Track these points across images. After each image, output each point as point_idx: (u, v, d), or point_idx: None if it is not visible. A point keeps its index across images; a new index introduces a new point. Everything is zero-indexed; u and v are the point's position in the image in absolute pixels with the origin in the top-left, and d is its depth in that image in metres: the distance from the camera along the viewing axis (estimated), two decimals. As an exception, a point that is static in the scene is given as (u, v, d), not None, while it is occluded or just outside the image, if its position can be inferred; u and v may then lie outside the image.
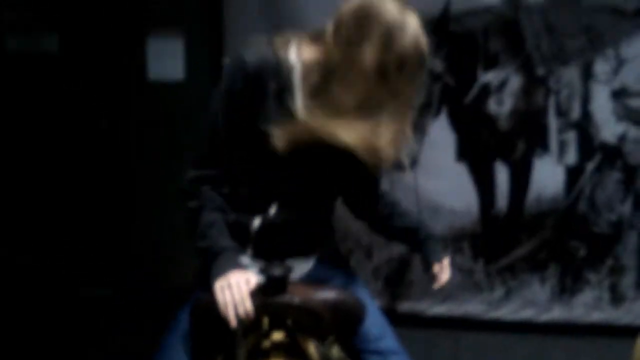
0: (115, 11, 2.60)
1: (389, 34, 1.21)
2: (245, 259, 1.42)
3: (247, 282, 1.26)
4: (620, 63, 2.34)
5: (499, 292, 2.56)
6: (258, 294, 1.26)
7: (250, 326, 1.24)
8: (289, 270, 1.30)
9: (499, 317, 2.55)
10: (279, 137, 1.28)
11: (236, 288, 1.24)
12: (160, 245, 2.72)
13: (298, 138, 1.28)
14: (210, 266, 1.31)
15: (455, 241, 2.53)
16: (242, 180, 1.39)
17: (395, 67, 1.21)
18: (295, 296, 1.28)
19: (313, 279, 1.44)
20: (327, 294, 1.32)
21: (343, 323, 1.31)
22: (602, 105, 2.38)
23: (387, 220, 1.54)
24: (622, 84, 2.35)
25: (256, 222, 1.40)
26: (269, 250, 1.41)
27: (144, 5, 2.59)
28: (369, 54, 1.21)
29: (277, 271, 1.28)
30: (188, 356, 1.34)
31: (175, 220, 2.61)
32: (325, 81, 1.25)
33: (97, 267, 2.75)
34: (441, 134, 2.43)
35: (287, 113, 1.30)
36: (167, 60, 2.59)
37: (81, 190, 2.74)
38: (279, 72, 1.31)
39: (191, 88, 2.60)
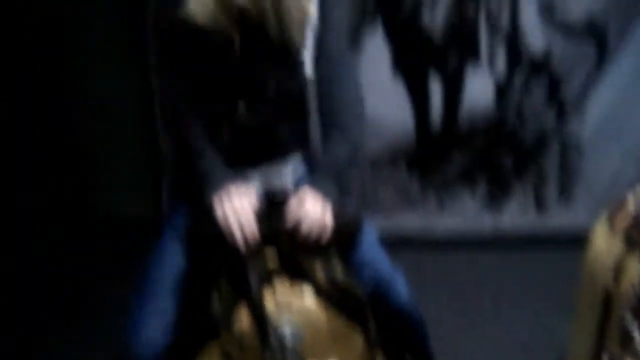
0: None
1: None
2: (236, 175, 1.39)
3: (250, 201, 1.28)
4: (547, -26, 2.36)
5: (431, 205, 2.60)
6: (260, 218, 1.26)
7: (254, 250, 1.24)
8: (287, 193, 1.31)
9: (433, 230, 2.61)
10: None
11: (241, 210, 1.26)
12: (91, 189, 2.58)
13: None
14: (201, 187, 1.31)
15: (391, 157, 2.54)
16: (203, 88, 1.37)
17: None
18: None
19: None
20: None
21: (343, 239, 1.32)
22: (529, 17, 2.42)
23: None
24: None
25: (226, 132, 1.38)
26: (243, 157, 1.39)
27: None
28: None
29: (278, 197, 1.29)
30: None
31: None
32: None
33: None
34: (377, 48, 2.41)
35: None
36: None
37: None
38: None
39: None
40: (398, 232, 2.58)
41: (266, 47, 1.34)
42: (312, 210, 1.30)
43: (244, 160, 1.39)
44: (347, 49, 1.51)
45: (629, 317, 1.20)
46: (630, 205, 1.33)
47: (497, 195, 2.63)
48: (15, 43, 2.50)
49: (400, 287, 1.39)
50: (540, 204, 2.65)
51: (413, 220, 2.62)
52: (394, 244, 2.48)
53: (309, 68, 1.42)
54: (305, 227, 1.28)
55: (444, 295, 2.32)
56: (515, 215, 2.65)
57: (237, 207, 1.27)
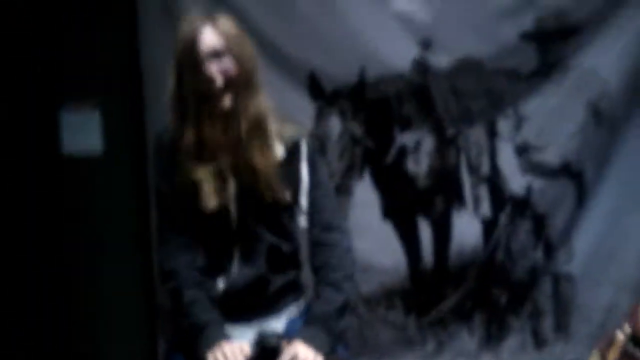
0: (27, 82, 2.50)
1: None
2: (230, 329, 1.44)
3: (242, 350, 1.32)
4: (520, 121, 2.57)
5: (431, 345, 2.61)
6: None
7: None
8: (281, 339, 1.34)
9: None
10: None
11: (232, 357, 1.30)
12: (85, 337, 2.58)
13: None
14: (196, 341, 1.36)
15: (387, 298, 2.59)
16: (199, 242, 1.46)
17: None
18: None
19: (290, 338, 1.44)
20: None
21: None
22: (507, 160, 2.57)
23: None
24: (523, 140, 2.57)
25: (220, 283, 1.44)
26: (236, 311, 1.45)
27: (58, 76, 2.51)
28: None
29: (271, 341, 1.33)
30: None
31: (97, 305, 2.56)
32: None
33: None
34: (366, 195, 2.53)
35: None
36: (83, 132, 2.51)
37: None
38: None
39: (110, 161, 2.55)
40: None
41: (259, 209, 1.46)
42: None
43: (237, 310, 1.45)
44: (337, 207, 1.64)
45: None
46: (619, 341, 1.41)
47: (495, 332, 2.65)
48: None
49: None
50: (538, 338, 2.66)
51: (413, 360, 2.62)
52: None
53: (302, 222, 1.54)
54: None
55: None
56: (515, 351, 2.65)
57: (228, 352, 1.32)
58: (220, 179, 1.44)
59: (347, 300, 1.51)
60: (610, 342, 1.43)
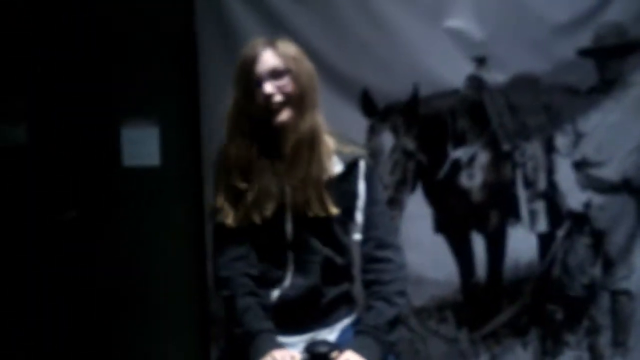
0: (90, 98, 2.64)
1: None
2: (282, 339, 1.49)
3: (292, 358, 1.36)
4: (578, 136, 2.52)
5: (484, 358, 2.62)
6: None
7: None
8: (332, 347, 1.37)
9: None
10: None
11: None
12: (140, 343, 2.70)
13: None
14: (248, 349, 1.41)
15: (438, 311, 2.60)
16: (254, 253, 1.53)
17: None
18: None
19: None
20: None
21: None
22: (565, 175, 2.53)
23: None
24: (582, 156, 2.52)
25: (274, 293, 1.50)
26: (289, 322, 1.50)
27: (119, 92, 2.64)
28: None
29: (321, 348, 1.35)
30: None
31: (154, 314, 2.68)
32: None
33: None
34: (418, 208, 2.54)
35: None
36: (142, 147, 2.64)
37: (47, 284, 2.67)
38: None
39: (167, 174, 2.66)
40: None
41: (313, 223, 1.52)
42: None
43: (290, 320, 1.50)
44: (392, 225, 1.70)
45: None
46: None
47: (550, 347, 2.63)
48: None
49: None
50: (595, 354, 2.62)
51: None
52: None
53: (357, 237, 1.58)
54: None
55: None
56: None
57: (279, 358, 1.35)
58: (276, 191, 1.49)
59: (399, 314, 1.55)
60: None
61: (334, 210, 1.51)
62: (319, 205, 1.50)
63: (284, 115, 1.49)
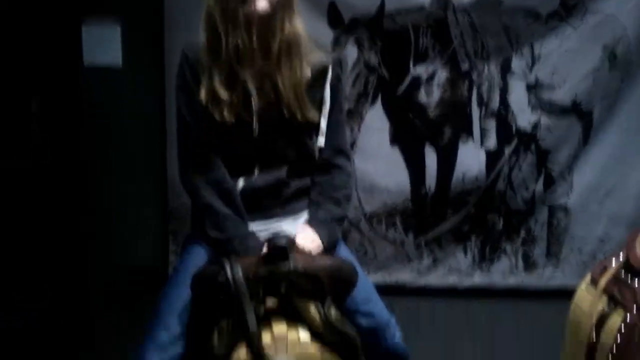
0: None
1: None
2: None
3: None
4: (534, 60, 2.61)
5: (427, 261, 2.83)
6: (262, 262, 1.38)
7: (252, 293, 1.35)
8: (291, 240, 1.43)
9: (427, 283, 2.82)
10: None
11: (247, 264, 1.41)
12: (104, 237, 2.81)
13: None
14: (231, 251, 1.48)
15: (388, 217, 2.77)
16: (223, 152, 1.57)
17: None
18: (297, 263, 1.39)
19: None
20: (326, 261, 1.45)
21: (339, 287, 1.44)
22: (518, 96, 2.63)
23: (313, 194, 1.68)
24: (536, 78, 2.61)
25: (240, 182, 1.58)
26: (255, 209, 1.58)
27: None
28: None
29: (280, 241, 1.40)
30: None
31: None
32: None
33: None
34: (376, 121, 2.64)
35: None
36: (104, 46, 2.59)
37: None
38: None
39: (130, 74, 2.64)
40: (394, 284, 2.83)
41: (280, 124, 1.56)
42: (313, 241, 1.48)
43: (255, 209, 1.57)
44: (347, 133, 1.75)
45: None
46: (613, 268, 1.55)
47: (488, 254, 2.84)
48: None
49: (394, 331, 1.53)
50: (528, 262, 2.84)
51: (408, 274, 2.83)
52: (389, 293, 2.73)
53: (320, 143, 1.63)
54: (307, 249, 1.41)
55: (437, 342, 2.53)
56: (505, 272, 2.83)
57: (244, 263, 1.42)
58: (244, 93, 1.52)
59: (344, 217, 1.67)
60: (604, 268, 1.54)
61: (310, 116, 1.56)
62: (290, 109, 1.53)
63: (263, 3, 1.47)
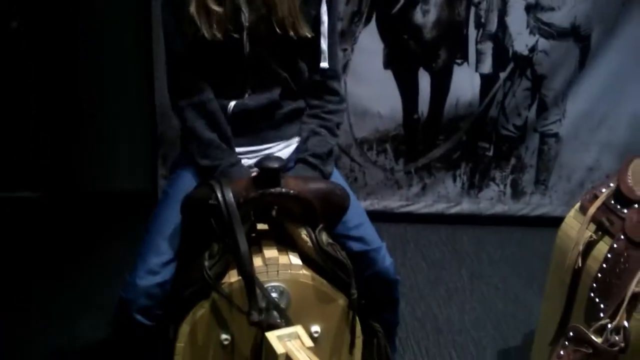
0: None
1: None
2: (239, 150, 1.52)
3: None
4: (534, -20, 2.51)
5: (416, 188, 2.81)
6: (253, 185, 1.32)
7: (243, 216, 1.29)
8: (282, 162, 1.36)
9: (415, 210, 2.83)
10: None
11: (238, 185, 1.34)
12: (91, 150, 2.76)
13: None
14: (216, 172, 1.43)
15: (379, 143, 2.73)
16: (212, 72, 1.49)
17: None
18: (289, 187, 1.33)
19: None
20: (318, 185, 1.39)
21: (331, 211, 1.39)
22: (516, 18, 2.55)
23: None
24: (533, 1, 2.52)
25: (231, 104, 1.51)
26: (246, 131, 1.52)
27: None
28: None
29: (271, 163, 1.33)
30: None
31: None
32: None
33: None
34: (370, 43, 2.54)
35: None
36: None
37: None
38: None
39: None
40: (383, 210, 2.83)
41: (272, 41, 1.47)
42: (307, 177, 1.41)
43: (246, 132, 1.51)
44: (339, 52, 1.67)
45: (594, 295, 1.37)
46: (602, 196, 1.53)
47: (477, 182, 2.84)
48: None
49: (385, 256, 1.48)
50: (517, 189, 2.85)
51: (397, 200, 2.82)
52: (379, 219, 2.73)
53: (323, 65, 1.53)
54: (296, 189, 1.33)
55: (424, 268, 2.53)
56: (494, 199, 2.84)
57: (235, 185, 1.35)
58: (233, 6, 1.44)
59: (335, 145, 1.61)
60: (594, 196, 1.53)
61: (307, 32, 1.47)
62: (282, 25, 1.45)
63: None
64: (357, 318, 1.36)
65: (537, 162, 2.78)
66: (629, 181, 1.48)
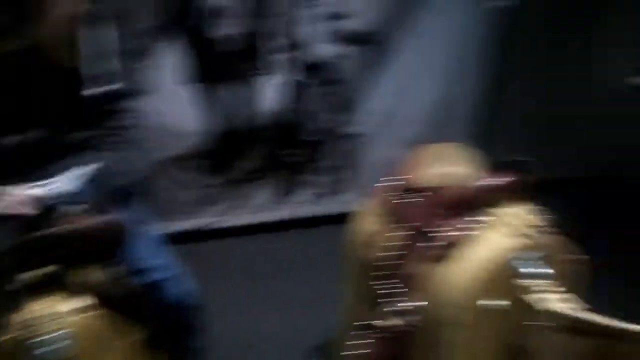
0: None
1: None
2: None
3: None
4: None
5: (229, 202, 2.80)
6: (27, 228, 1.26)
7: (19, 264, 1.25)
8: (53, 204, 1.31)
9: (226, 224, 2.81)
10: None
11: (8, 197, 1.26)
12: None
13: None
14: None
15: (185, 160, 2.67)
16: None
17: None
18: (60, 227, 1.29)
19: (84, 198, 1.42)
20: (89, 221, 1.34)
21: (107, 246, 1.36)
22: (314, 27, 2.60)
23: None
24: (331, 9, 2.59)
25: (11, 140, 1.41)
26: (29, 169, 1.42)
27: None
28: None
29: (51, 203, 1.29)
30: None
31: None
32: None
33: None
34: (167, 58, 2.49)
35: None
36: None
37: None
38: None
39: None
40: (195, 228, 2.76)
41: (42, 72, 1.39)
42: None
43: (25, 165, 1.42)
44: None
45: (376, 283, 1.43)
46: (392, 187, 1.60)
47: (286, 188, 2.86)
48: None
49: (181, 283, 1.46)
50: (329, 191, 2.92)
51: (208, 217, 2.79)
52: (192, 238, 2.65)
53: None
54: None
55: (244, 281, 2.52)
56: (309, 203, 2.90)
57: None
58: None
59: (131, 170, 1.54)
60: (384, 188, 1.59)
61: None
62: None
63: None
64: (158, 349, 1.34)
65: (344, 162, 2.88)
66: (417, 172, 1.54)
